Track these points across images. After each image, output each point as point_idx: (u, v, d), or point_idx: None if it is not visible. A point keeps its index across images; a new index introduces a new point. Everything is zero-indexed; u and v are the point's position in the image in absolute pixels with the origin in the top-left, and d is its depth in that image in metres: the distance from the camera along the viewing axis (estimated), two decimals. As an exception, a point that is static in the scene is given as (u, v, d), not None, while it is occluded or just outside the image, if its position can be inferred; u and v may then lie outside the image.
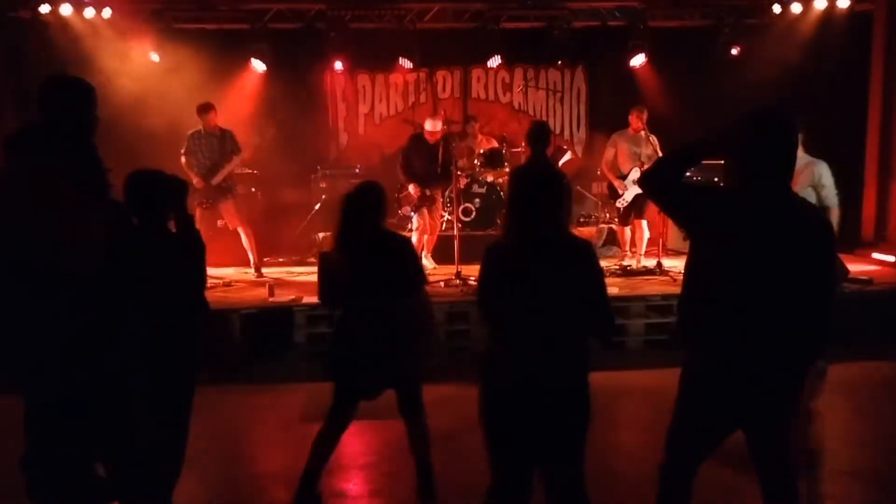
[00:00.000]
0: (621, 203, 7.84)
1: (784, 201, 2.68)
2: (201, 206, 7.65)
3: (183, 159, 7.63)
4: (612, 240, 9.04)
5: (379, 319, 3.58)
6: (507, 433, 2.77)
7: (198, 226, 7.48)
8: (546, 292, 2.67)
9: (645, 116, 7.71)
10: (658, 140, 7.75)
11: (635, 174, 7.62)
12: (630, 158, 7.76)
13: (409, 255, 3.73)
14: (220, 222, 8.13)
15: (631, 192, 7.69)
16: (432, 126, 7.84)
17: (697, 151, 2.80)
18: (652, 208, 8.00)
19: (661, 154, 7.58)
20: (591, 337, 2.79)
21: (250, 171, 9.25)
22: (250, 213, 8.34)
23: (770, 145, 2.67)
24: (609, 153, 7.90)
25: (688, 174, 2.91)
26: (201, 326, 3.49)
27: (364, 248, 3.58)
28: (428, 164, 7.81)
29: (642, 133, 7.70)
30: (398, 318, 3.60)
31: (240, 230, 7.88)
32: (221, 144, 7.71)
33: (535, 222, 2.73)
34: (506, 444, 2.80)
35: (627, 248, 8.19)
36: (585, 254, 2.78)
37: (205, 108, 7.68)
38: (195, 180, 7.55)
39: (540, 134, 6.62)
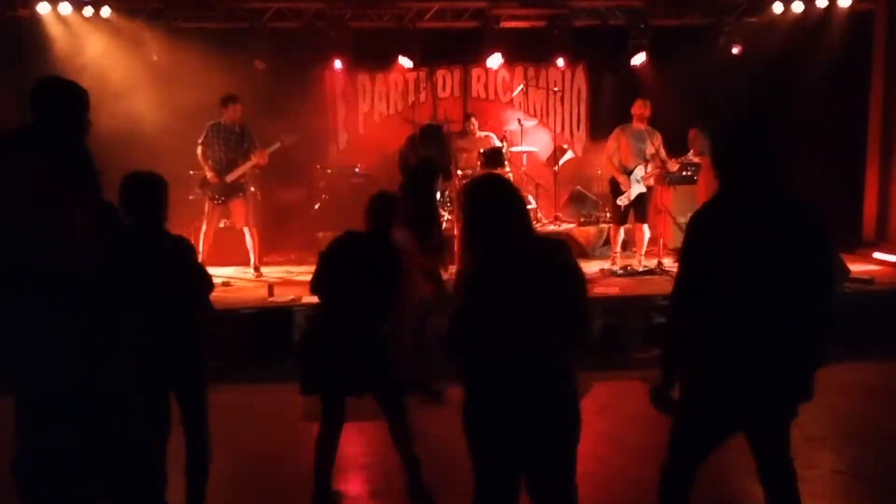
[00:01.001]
0: (623, 201, 7.66)
1: (780, 200, 2.69)
2: (213, 202, 7.61)
3: (199, 150, 7.54)
4: (615, 239, 9.00)
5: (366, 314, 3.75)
6: (493, 442, 2.64)
7: (206, 221, 7.58)
8: (531, 293, 2.58)
9: (649, 106, 7.60)
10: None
11: (640, 171, 7.58)
12: (635, 155, 7.61)
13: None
14: (223, 222, 8.09)
15: (635, 189, 7.61)
16: None
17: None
18: (652, 210, 7.96)
19: (664, 155, 7.55)
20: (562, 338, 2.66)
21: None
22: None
23: (764, 146, 2.69)
24: (611, 146, 7.74)
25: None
26: (203, 327, 3.48)
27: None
28: None
29: (645, 129, 7.62)
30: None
31: (245, 230, 7.82)
32: (240, 140, 7.60)
33: (510, 229, 2.65)
34: (492, 455, 2.65)
35: (618, 248, 8.01)
36: (562, 250, 2.72)
37: (228, 101, 7.51)
38: (209, 174, 7.51)
39: (430, 136, 6.53)
